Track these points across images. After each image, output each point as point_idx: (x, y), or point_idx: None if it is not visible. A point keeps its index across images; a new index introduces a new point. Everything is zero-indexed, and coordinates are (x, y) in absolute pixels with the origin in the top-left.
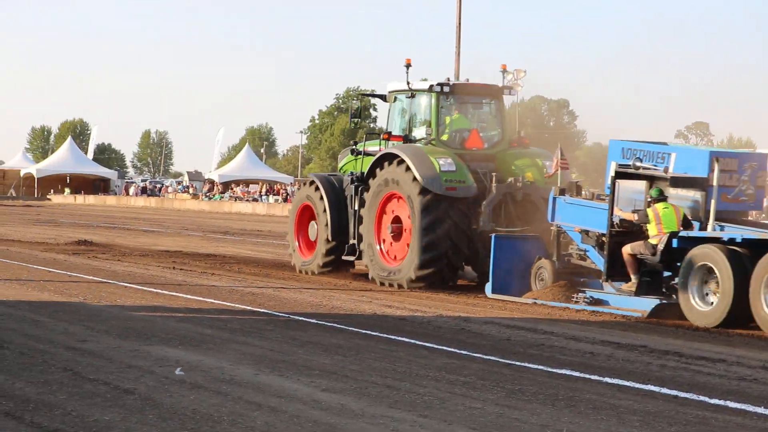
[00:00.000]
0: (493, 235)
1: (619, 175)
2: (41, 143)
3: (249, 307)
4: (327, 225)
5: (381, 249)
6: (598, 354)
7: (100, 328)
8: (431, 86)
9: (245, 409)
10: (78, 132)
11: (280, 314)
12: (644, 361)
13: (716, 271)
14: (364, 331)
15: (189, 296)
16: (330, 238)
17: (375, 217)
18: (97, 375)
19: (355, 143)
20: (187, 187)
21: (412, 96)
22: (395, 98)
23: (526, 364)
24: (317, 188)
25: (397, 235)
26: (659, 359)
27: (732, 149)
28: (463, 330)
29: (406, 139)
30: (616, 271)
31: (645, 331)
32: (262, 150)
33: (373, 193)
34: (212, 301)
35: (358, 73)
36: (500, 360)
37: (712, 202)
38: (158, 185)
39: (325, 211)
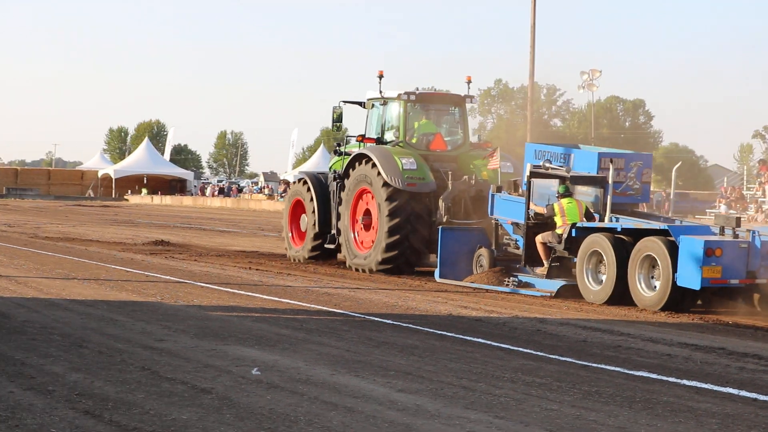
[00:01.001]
0: (440, 227)
1: (533, 174)
2: (118, 144)
3: (325, 308)
4: (314, 218)
5: (355, 238)
6: (675, 356)
7: (178, 328)
8: (399, 95)
9: (321, 409)
10: (155, 133)
11: (356, 315)
12: (722, 363)
13: (604, 256)
14: (439, 332)
15: (265, 296)
16: (317, 229)
17: (350, 210)
18: (174, 374)
19: (339, 145)
20: (263, 187)
21: (385, 103)
22: (372, 105)
23: (603, 366)
24: (306, 185)
25: (367, 225)
26: (738, 361)
27: (619, 150)
28: (539, 331)
29: (379, 141)
30: (534, 257)
31: (723, 333)
32: None
33: (349, 189)
34: (288, 301)
35: (428, 74)
36: (576, 361)
37: (608, 197)
38: (235, 186)
39: (312, 205)
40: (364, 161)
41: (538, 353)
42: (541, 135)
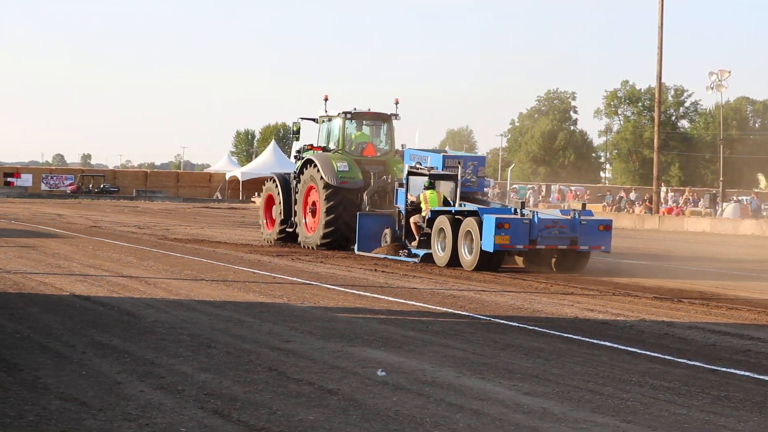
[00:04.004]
0: (358, 213)
1: (410, 173)
2: (245, 147)
3: (450, 310)
4: (280, 208)
5: (305, 223)
6: None
7: (304, 329)
8: (339, 113)
9: (447, 411)
10: (281, 136)
11: (482, 317)
12: None
13: (446, 232)
14: (565, 335)
15: (391, 298)
16: (282, 217)
17: (302, 202)
18: (301, 375)
19: (298, 152)
20: None
21: (329, 120)
22: (322, 121)
23: (732, 370)
24: (275, 183)
25: (313, 214)
26: None
27: (460, 152)
28: (667, 335)
29: (324, 149)
30: (411, 234)
31: None
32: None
33: (301, 186)
34: (414, 303)
35: (557, 76)
36: (705, 366)
37: (458, 189)
38: None
39: (279, 198)
40: (311, 165)
41: (666, 357)
42: (669, 137)
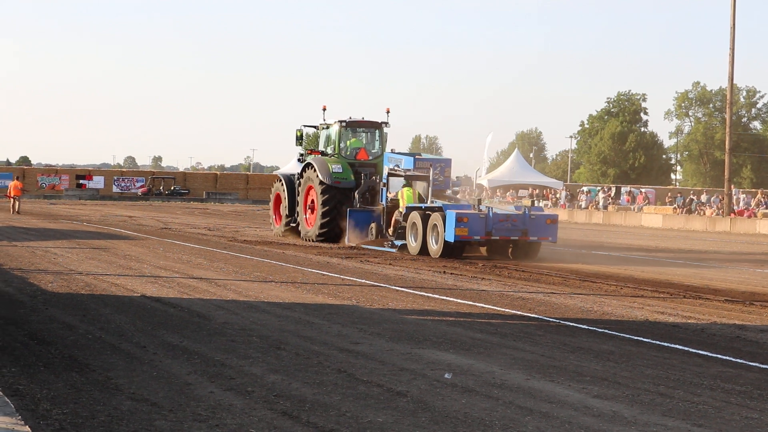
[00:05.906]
0: (348, 209)
1: (389, 174)
2: (312, 148)
3: (519, 312)
4: (286, 206)
5: (305, 219)
6: None
7: (373, 331)
8: (336, 121)
9: (516, 414)
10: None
11: (551, 319)
12: None
13: (417, 225)
14: (635, 338)
15: (460, 300)
16: (288, 214)
17: (303, 200)
18: (370, 377)
19: (301, 155)
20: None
21: (327, 127)
22: (322, 128)
23: None
24: (282, 183)
25: (312, 210)
26: None
27: (429, 155)
28: (739, 338)
29: (323, 153)
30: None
31: None
32: (531, 155)
33: (302, 186)
34: (482, 305)
35: (628, 78)
36: None
37: (430, 188)
38: None
39: (284, 197)
40: (310, 167)
41: (738, 360)
42: (740, 138)
